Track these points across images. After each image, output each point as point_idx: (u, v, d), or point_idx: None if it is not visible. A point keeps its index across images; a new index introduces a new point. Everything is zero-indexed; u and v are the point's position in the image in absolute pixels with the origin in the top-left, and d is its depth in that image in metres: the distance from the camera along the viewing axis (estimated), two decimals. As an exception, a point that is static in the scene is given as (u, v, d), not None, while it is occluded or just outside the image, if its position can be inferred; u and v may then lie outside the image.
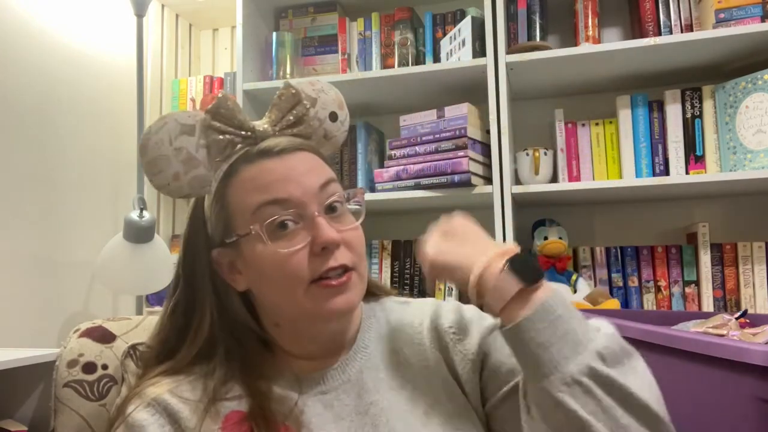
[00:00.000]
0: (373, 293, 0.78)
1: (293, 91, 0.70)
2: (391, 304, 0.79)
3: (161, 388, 0.66)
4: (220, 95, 0.67)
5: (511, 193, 1.52)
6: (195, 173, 0.65)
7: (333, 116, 0.73)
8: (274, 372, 0.68)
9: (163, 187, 0.65)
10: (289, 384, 0.68)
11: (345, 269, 0.64)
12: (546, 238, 1.61)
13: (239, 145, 0.66)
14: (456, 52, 1.68)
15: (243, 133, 0.66)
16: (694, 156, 1.54)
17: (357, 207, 0.70)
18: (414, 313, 0.77)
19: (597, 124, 1.63)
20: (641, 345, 0.79)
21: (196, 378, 0.67)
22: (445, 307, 0.76)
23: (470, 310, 0.75)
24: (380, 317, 0.76)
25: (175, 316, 0.71)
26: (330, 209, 0.66)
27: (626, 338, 0.83)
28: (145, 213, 1.59)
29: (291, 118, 0.69)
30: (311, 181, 0.65)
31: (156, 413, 0.65)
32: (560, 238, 1.61)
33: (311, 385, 0.68)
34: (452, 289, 1.67)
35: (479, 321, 0.73)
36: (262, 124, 0.68)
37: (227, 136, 0.66)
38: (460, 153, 1.54)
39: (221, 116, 0.66)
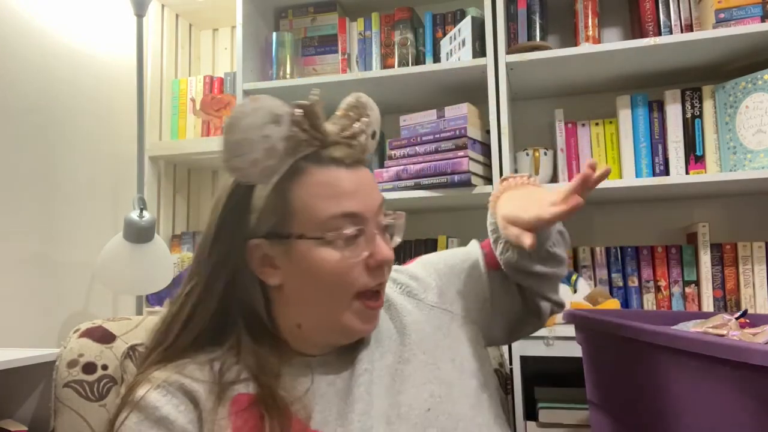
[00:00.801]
0: None
1: (363, 102, 0.73)
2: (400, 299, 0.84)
3: (168, 370, 0.67)
4: (315, 96, 0.69)
5: (511, 193, 1.52)
6: (270, 163, 0.66)
7: (374, 134, 0.76)
8: (283, 358, 0.70)
9: (238, 169, 0.65)
10: (299, 369, 0.70)
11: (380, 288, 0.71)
12: (546, 238, 1.61)
13: (309, 146, 0.68)
14: (456, 52, 1.68)
15: (318, 135, 0.68)
16: (694, 156, 1.54)
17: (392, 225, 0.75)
18: (393, 287, 0.85)
19: (597, 124, 1.63)
20: (641, 345, 0.79)
21: (202, 362, 0.68)
22: (395, 275, 0.86)
23: (414, 268, 0.88)
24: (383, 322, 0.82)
25: (189, 298, 0.71)
26: (384, 228, 0.71)
27: (626, 338, 0.83)
28: (145, 213, 1.59)
29: (356, 128, 0.71)
30: (374, 198, 0.70)
31: (168, 393, 0.65)
32: (560, 238, 1.61)
33: (318, 369, 0.71)
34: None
35: (426, 270, 0.87)
36: (334, 131, 0.70)
37: (306, 135, 0.67)
38: (460, 153, 1.54)
39: (311, 115, 0.67)
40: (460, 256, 0.90)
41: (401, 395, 0.70)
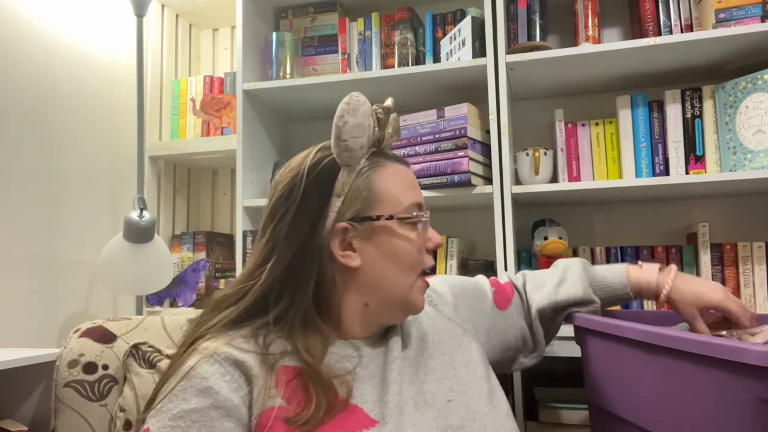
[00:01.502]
0: None
1: (395, 114, 0.83)
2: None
3: (218, 341, 0.71)
4: (391, 102, 0.82)
5: (511, 193, 1.52)
6: (365, 150, 0.76)
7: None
8: (326, 341, 0.75)
9: (351, 150, 0.74)
10: (342, 350, 0.76)
11: None
12: (546, 238, 1.61)
13: (376, 143, 0.79)
14: (456, 52, 1.68)
15: (383, 134, 0.80)
16: (694, 156, 1.54)
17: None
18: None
19: (597, 124, 1.63)
20: (641, 345, 0.79)
21: (248, 333, 0.73)
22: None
23: (433, 283, 0.98)
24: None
25: (270, 274, 0.75)
26: None
27: (626, 339, 0.83)
28: (145, 213, 1.59)
29: (391, 131, 0.82)
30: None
31: (216, 363, 0.68)
32: (560, 238, 1.61)
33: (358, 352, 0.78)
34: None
35: (444, 286, 0.98)
36: (388, 134, 0.81)
37: (381, 135, 0.79)
38: (460, 153, 1.54)
39: (387, 118, 0.80)
40: (471, 284, 1.01)
41: (425, 384, 0.77)
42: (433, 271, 1.71)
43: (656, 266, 0.98)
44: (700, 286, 0.94)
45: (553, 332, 1.04)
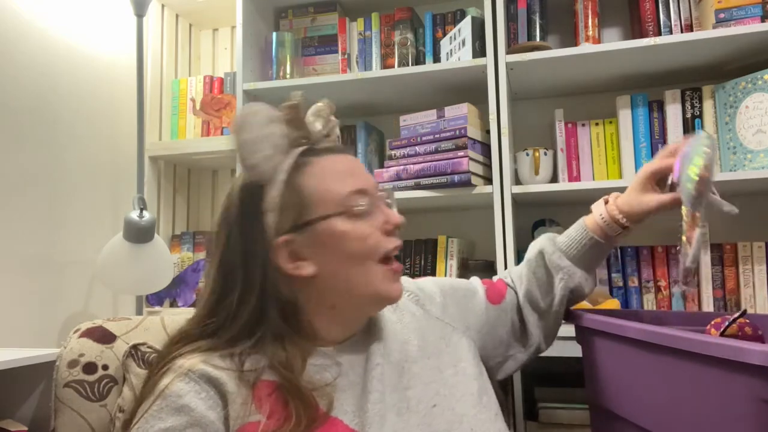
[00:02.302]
0: None
1: (330, 105, 0.81)
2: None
3: (193, 359, 0.70)
4: (298, 98, 0.76)
5: (511, 193, 1.52)
6: (278, 159, 0.73)
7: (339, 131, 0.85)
8: (305, 353, 0.73)
9: (255, 166, 0.72)
10: (322, 360, 0.74)
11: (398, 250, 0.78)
12: (546, 238, 1.61)
13: (298, 144, 0.76)
14: (456, 52, 1.68)
15: (307, 131, 0.77)
16: (694, 156, 1.53)
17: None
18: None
19: (597, 124, 1.63)
20: (642, 345, 0.79)
21: (225, 354, 0.71)
22: (406, 284, 0.93)
23: (421, 283, 0.96)
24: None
25: (219, 302, 0.74)
26: (384, 201, 0.79)
27: (626, 338, 0.83)
28: (145, 213, 1.59)
29: (332, 123, 0.80)
30: (370, 176, 0.79)
31: (191, 381, 0.67)
32: (560, 238, 1.61)
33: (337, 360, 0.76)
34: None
35: (429, 287, 0.95)
36: (317, 127, 0.79)
37: (298, 132, 0.75)
38: (460, 153, 1.54)
39: (299, 115, 0.76)
40: (464, 284, 0.99)
41: (409, 390, 0.76)
42: (432, 269, 1.71)
43: (601, 200, 1.03)
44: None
45: (551, 321, 0.98)
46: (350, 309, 0.77)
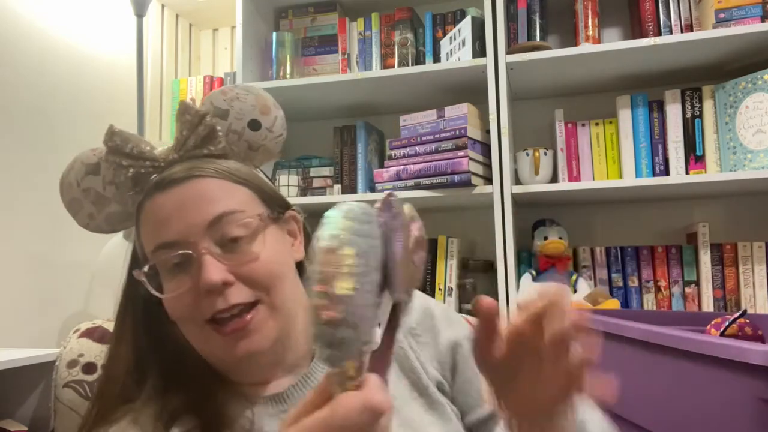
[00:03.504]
0: None
1: (193, 110, 0.64)
2: None
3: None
4: (108, 129, 0.64)
5: (511, 193, 1.52)
6: (108, 211, 0.67)
7: (253, 125, 0.67)
8: (227, 398, 0.63)
9: (84, 226, 0.68)
10: (242, 408, 0.62)
11: (244, 307, 0.59)
12: (546, 238, 1.61)
13: (152, 175, 0.62)
14: (456, 52, 1.68)
15: (147, 163, 0.62)
16: (694, 156, 1.54)
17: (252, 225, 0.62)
18: None
19: (597, 124, 1.63)
20: (643, 345, 0.79)
21: (146, 420, 0.61)
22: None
23: (438, 308, 0.73)
24: None
25: (117, 348, 0.65)
26: (229, 239, 0.60)
27: (626, 338, 0.83)
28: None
29: (194, 139, 0.63)
30: (201, 216, 0.59)
31: None
32: (560, 238, 1.61)
33: (272, 404, 0.63)
34: (452, 289, 1.67)
35: (448, 325, 0.70)
36: (167, 151, 0.63)
37: (131, 170, 0.62)
38: (460, 153, 1.54)
39: (118, 150, 0.63)
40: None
41: None
42: (432, 269, 1.71)
43: None
44: None
45: None
46: (214, 364, 0.64)
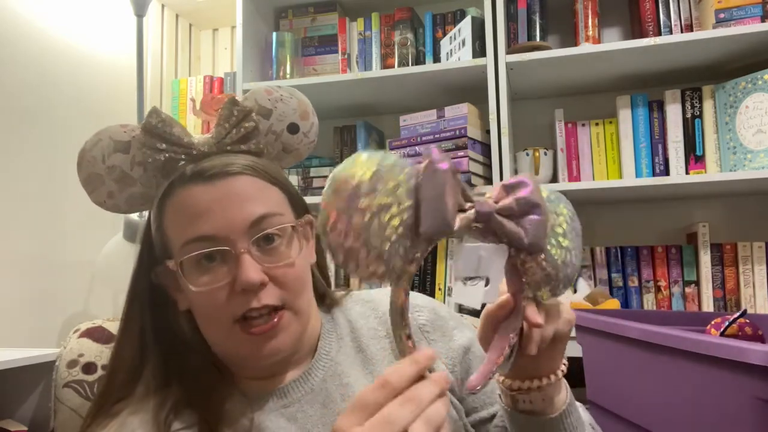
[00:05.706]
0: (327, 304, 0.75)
1: (239, 106, 0.64)
2: (350, 303, 0.76)
3: (110, 429, 0.61)
4: (151, 109, 0.63)
5: (511, 193, 1.52)
6: (131, 192, 0.64)
7: (292, 128, 0.68)
8: (228, 393, 0.64)
9: (100, 204, 0.65)
10: (242, 405, 0.63)
11: (272, 309, 0.60)
12: (546, 238, 1.61)
13: (182, 162, 0.62)
14: (456, 52, 1.68)
15: (181, 150, 0.62)
16: (694, 156, 1.54)
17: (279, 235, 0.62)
18: (377, 306, 0.74)
19: (597, 124, 1.63)
20: (643, 345, 0.79)
21: (147, 412, 0.61)
22: (416, 300, 0.74)
23: (444, 309, 0.74)
24: (339, 318, 0.73)
25: (121, 342, 0.66)
26: (266, 240, 0.61)
27: (626, 338, 0.83)
28: (145, 213, 1.59)
29: (235, 133, 0.64)
30: (242, 215, 0.59)
31: None
32: (560, 238, 1.61)
33: (273, 399, 0.64)
34: (451, 289, 1.67)
35: (459, 326, 0.73)
36: (205, 141, 0.63)
37: (165, 154, 0.61)
38: (460, 153, 1.54)
39: (156, 131, 0.62)
40: None
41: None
42: (432, 269, 1.71)
43: None
44: None
45: None
46: (229, 359, 0.66)
